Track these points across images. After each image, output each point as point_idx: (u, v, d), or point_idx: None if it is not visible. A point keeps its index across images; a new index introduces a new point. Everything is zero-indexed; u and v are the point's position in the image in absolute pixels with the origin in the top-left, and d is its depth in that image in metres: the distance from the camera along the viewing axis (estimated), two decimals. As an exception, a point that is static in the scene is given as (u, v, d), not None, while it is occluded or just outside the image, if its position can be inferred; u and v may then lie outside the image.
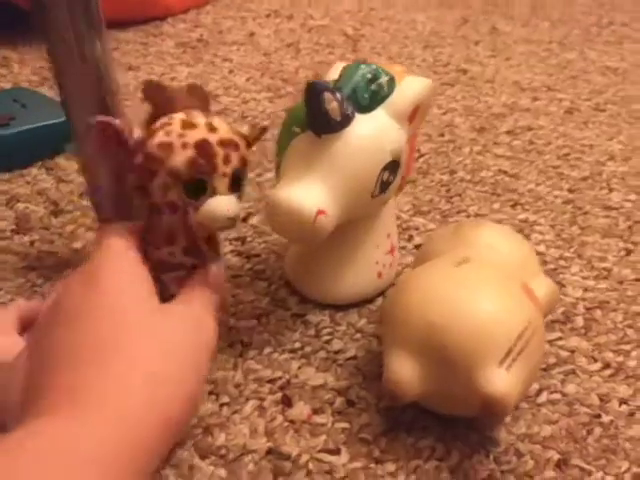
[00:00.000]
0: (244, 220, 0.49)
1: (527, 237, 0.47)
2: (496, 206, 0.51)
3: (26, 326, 0.29)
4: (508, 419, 0.33)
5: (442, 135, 0.62)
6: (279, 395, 0.34)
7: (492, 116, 0.65)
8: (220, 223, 0.27)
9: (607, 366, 0.37)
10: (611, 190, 0.53)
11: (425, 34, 0.88)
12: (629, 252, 0.46)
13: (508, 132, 0.62)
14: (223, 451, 0.30)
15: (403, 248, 0.46)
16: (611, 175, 0.55)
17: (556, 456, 0.31)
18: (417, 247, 0.46)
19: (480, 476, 0.30)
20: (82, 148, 0.40)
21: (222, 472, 0.30)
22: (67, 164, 0.55)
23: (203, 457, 0.30)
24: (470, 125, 0.64)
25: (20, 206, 0.49)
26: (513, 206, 0.51)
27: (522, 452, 0.31)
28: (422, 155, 0.58)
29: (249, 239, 0.47)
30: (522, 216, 0.50)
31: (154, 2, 0.92)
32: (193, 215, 0.27)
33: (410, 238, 0.47)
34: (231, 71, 0.76)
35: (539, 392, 0.35)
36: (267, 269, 0.44)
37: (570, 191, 0.53)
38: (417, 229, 0.48)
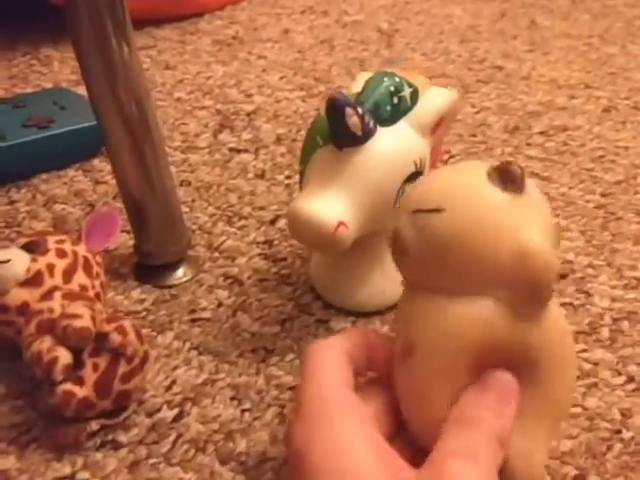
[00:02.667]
0: (272, 223, 0.49)
1: (556, 244, 0.47)
2: (525, 211, 0.51)
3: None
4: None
5: (474, 135, 0.61)
6: (299, 402, 0.34)
7: (527, 115, 0.64)
8: None
9: (631, 380, 0.36)
10: (646, 195, 0.52)
11: (461, 28, 0.87)
12: (661, 261, 0.45)
13: (542, 132, 0.61)
14: (243, 457, 0.32)
15: (429, 253, 0.46)
16: (647, 179, 0.54)
17: (573, 472, 0.31)
18: (443, 252, 0.46)
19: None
20: (112, 151, 0.41)
21: (242, 478, 0.31)
22: (103, 166, 0.56)
23: (223, 463, 0.31)
24: (503, 124, 0.63)
25: (57, 207, 0.51)
26: (543, 211, 0.50)
27: (538, 467, 0.31)
28: (452, 156, 0.58)
29: (276, 242, 0.48)
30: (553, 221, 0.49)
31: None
32: None
33: (437, 243, 0.47)
34: (264, 69, 0.77)
35: (559, 406, 0.35)
36: (293, 273, 0.44)
37: (603, 195, 0.52)
38: (444, 234, 0.48)
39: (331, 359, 0.25)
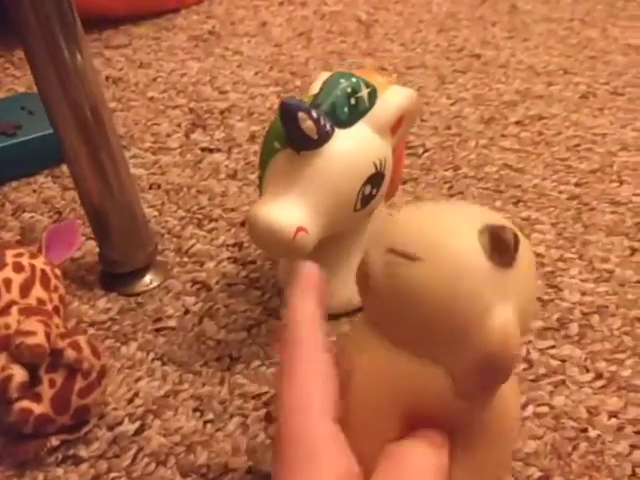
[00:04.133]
0: (242, 225, 0.49)
1: (527, 237, 0.46)
2: (498, 204, 0.50)
3: None
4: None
5: (449, 128, 0.60)
6: (263, 411, 0.34)
7: (503, 105, 0.64)
8: None
9: (599, 377, 0.36)
10: (621, 183, 0.52)
11: (441, 16, 0.86)
12: (634, 251, 0.45)
13: (517, 122, 0.60)
14: (205, 470, 0.31)
15: (401, 251, 0.46)
16: (622, 166, 0.53)
17: (537, 473, 0.31)
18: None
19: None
20: (69, 159, 0.41)
21: (202, 491, 0.31)
22: (73, 171, 0.56)
23: (185, 476, 0.31)
24: (479, 116, 0.62)
25: (26, 216, 0.50)
26: (516, 203, 0.50)
27: (502, 469, 0.31)
28: (426, 150, 0.57)
29: (246, 244, 0.47)
30: (524, 214, 0.49)
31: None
32: None
33: (409, 240, 0.47)
34: (240, 65, 0.76)
35: (526, 405, 0.34)
36: (262, 277, 0.44)
37: (577, 185, 0.52)
38: (417, 230, 0.48)
39: (317, 387, 0.23)
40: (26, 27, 0.36)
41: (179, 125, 0.63)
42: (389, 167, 0.37)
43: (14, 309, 0.33)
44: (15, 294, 0.33)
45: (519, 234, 0.21)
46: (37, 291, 0.34)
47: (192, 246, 0.47)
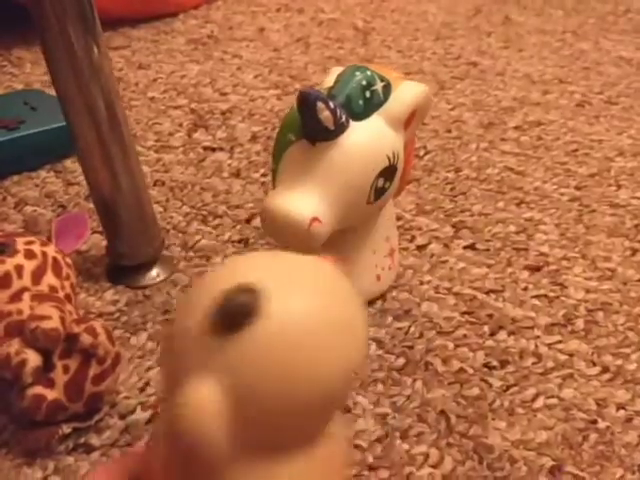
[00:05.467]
0: (247, 222, 0.49)
1: (531, 237, 0.47)
2: (501, 205, 0.51)
3: None
4: (503, 425, 0.33)
5: (449, 131, 0.61)
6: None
7: (501, 111, 0.65)
8: None
9: (606, 370, 0.36)
10: (619, 187, 0.53)
11: (436, 26, 0.87)
12: (634, 252, 0.45)
13: (516, 127, 0.61)
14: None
15: (405, 249, 0.46)
16: (620, 171, 0.55)
17: (550, 462, 0.31)
18: (419, 248, 0.46)
19: (472, 483, 0.30)
20: (81, 152, 0.41)
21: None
22: (75, 166, 0.56)
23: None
24: (478, 120, 0.63)
25: (28, 209, 0.50)
26: (518, 204, 0.51)
27: (516, 458, 0.31)
28: (428, 152, 0.58)
29: (252, 240, 0.47)
30: (527, 215, 0.49)
31: (165, -2, 0.92)
32: None
33: (412, 239, 0.47)
34: (239, 68, 0.76)
35: (536, 397, 0.35)
36: (268, 272, 0.44)
37: (577, 188, 0.53)
38: (420, 229, 0.48)
39: None
40: (45, 22, 0.36)
41: (181, 125, 0.63)
42: (401, 161, 0.37)
43: (26, 295, 0.32)
44: (27, 281, 0.33)
45: (258, 309, 0.18)
46: (49, 278, 0.34)
47: (198, 242, 0.47)
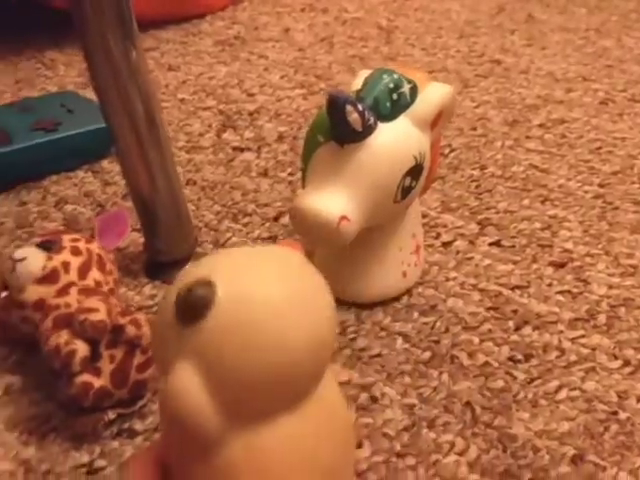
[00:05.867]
0: (275, 220, 0.51)
1: (555, 234, 0.48)
2: (526, 202, 0.52)
3: None
4: (527, 415, 0.34)
5: (474, 129, 0.62)
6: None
7: (525, 108, 0.65)
8: None
9: (627, 364, 0.37)
10: (643, 184, 0.53)
11: (460, 24, 0.88)
12: (658, 249, 0.46)
13: (540, 125, 0.62)
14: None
15: (430, 246, 0.47)
16: (644, 169, 0.55)
17: (572, 452, 0.33)
18: (444, 245, 0.47)
19: (497, 470, 0.32)
20: (121, 152, 0.43)
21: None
22: (111, 167, 0.58)
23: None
24: (503, 118, 0.64)
25: (68, 208, 0.52)
26: (543, 202, 0.51)
27: (539, 447, 0.33)
28: (453, 150, 0.59)
29: (280, 238, 0.49)
30: (551, 212, 0.50)
31: (194, 1, 0.94)
32: None
33: (438, 236, 0.48)
34: (266, 68, 0.78)
35: (559, 389, 0.36)
36: (298, 268, 0.46)
37: (600, 186, 0.53)
38: (445, 226, 0.49)
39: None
40: (85, 26, 0.38)
41: (210, 125, 0.65)
42: (427, 161, 0.38)
43: (73, 290, 0.34)
44: (73, 276, 0.35)
45: (212, 298, 0.21)
46: (94, 273, 0.36)
47: (228, 239, 0.49)
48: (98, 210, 0.52)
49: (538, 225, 0.49)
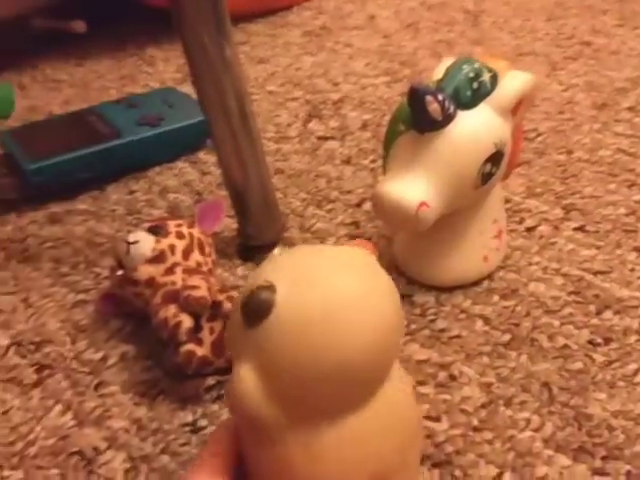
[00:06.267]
0: (358, 206, 0.53)
1: (641, 219, 0.47)
2: (612, 187, 0.51)
3: None
4: (603, 396, 0.35)
5: (562, 113, 0.61)
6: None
7: (615, 91, 0.63)
8: None
9: None
10: None
11: (549, 6, 0.85)
12: None
13: (630, 108, 0.60)
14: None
15: (513, 231, 0.48)
16: None
17: (649, 433, 0.33)
18: (528, 230, 0.48)
19: (571, 447, 0.32)
20: (216, 144, 0.46)
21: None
22: (207, 157, 0.62)
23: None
24: (591, 101, 0.62)
25: (171, 196, 0.57)
26: (629, 187, 0.51)
27: (614, 427, 0.33)
28: (539, 135, 0.59)
29: (362, 223, 0.51)
30: (637, 197, 0.49)
31: (281, -7, 0.97)
32: None
33: (521, 221, 0.49)
34: (351, 57, 0.80)
35: (637, 372, 0.36)
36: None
37: (694, 170, 0.51)
38: (529, 211, 0.50)
39: None
40: (183, 23, 0.41)
41: (297, 116, 0.68)
42: (508, 147, 0.39)
43: (178, 269, 0.38)
44: (178, 257, 0.39)
45: (272, 303, 0.22)
46: (196, 255, 0.40)
47: (313, 224, 0.52)
48: (196, 198, 0.56)
49: (623, 210, 0.48)
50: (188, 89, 0.74)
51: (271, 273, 0.24)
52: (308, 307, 0.22)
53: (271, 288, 0.23)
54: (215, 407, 0.37)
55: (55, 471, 0.34)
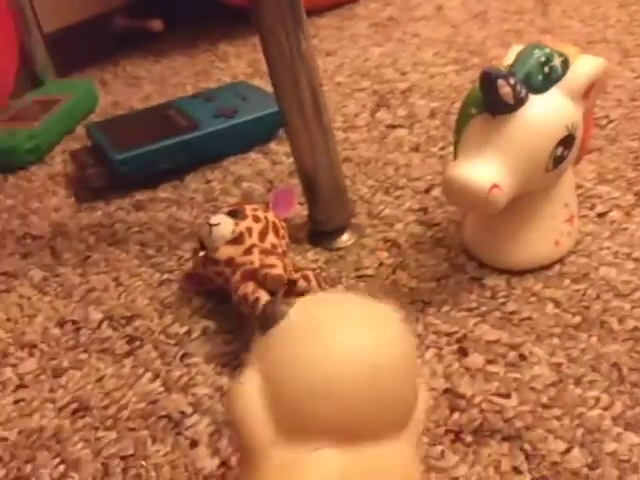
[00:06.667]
0: (426, 192, 0.54)
1: None
2: (687, 173, 0.50)
3: None
4: (678, 381, 0.34)
5: (634, 100, 0.60)
6: (456, 346, 0.39)
7: (694, 75, 0.62)
8: None
9: None
10: None
11: (623, -11, 0.83)
12: None
13: None
14: (408, 386, 0.37)
15: (585, 217, 0.47)
16: None
17: None
18: (599, 215, 0.48)
19: (641, 426, 0.33)
20: (290, 133, 0.48)
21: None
22: (278, 148, 0.64)
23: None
24: (667, 87, 0.61)
25: (244, 185, 0.60)
26: None
27: (687, 409, 0.33)
28: (611, 121, 0.58)
29: (430, 209, 0.52)
30: None
31: (348, -14, 0.99)
32: None
33: (592, 207, 0.49)
34: (419, 47, 0.80)
35: None
36: (447, 237, 0.48)
37: None
38: (600, 197, 0.49)
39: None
40: (264, 18, 0.43)
41: (364, 106, 0.69)
42: (580, 131, 0.39)
43: (255, 250, 0.41)
44: (255, 239, 0.42)
45: (286, 313, 0.23)
46: (271, 237, 0.42)
47: (381, 211, 0.53)
48: (268, 186, 0.59)
49: (699, 196, 0.47)
50: (259, 83, 0.77)
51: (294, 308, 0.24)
52: (316, 320, 0.24)
53: (288, 304, 0.24)
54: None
55: (145, 432, 0.37)
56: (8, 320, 0.49)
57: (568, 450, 0.32)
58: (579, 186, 0.50)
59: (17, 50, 0.83)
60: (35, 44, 0.90)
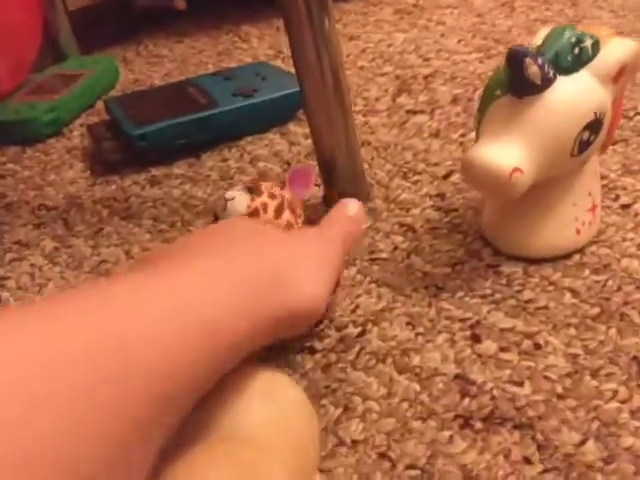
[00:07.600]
0: (444, 178, 0.53)
1: None
2: None
3: None
4: (699, 376, 0.33)
5: (665, 91, 0.58)
6: (469, 332, 0.38)
7: None
8: None
9: None
10: None
11: (656, -20, 0.81)
12: None
13: None
14: (417, 370, 0.36)
15: (608, 207, 0.46)
16: None
17: None
18: (623, 207, 0.46)
19: (660, 422, 0.31)
20: (310, 114, 0.47)
21: (416, 386, 0.35)
22: (296, 129, 0.64)
23: (400, 372, 0.36)
24: (700, 79, 0.59)
25: (261, 164, 0.59)
26: None
27: None
28: (638, 113, 0.56)
29: (448, 195, 0.51)
30: None
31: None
32: None
33: (616, 198, 0.47)
34: (443, 34, 0.79)
35: None
36: (464, 223, 0.47)
37: None
38: (625, 189, 0.48)
39: None
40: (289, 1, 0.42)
41: (386, 90, 0.68)
42: (608, 116, 0.38)
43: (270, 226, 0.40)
44: (271, 215, 0.41)
45: None
46: (287, 215, 0.41)
47: (398, 195, 0.52)
48: (285, 167, 0.58)
49: None
50: (280, 64, 0.76)
51: None
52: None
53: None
54: (299, 358, 0.38)
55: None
56: (19, 288, 0.49)
57: (582, 442, 0.31)
58: (604, 176, 0.48)
59: (40, 25, 0.83)
60: (60, 21, 0.90)
